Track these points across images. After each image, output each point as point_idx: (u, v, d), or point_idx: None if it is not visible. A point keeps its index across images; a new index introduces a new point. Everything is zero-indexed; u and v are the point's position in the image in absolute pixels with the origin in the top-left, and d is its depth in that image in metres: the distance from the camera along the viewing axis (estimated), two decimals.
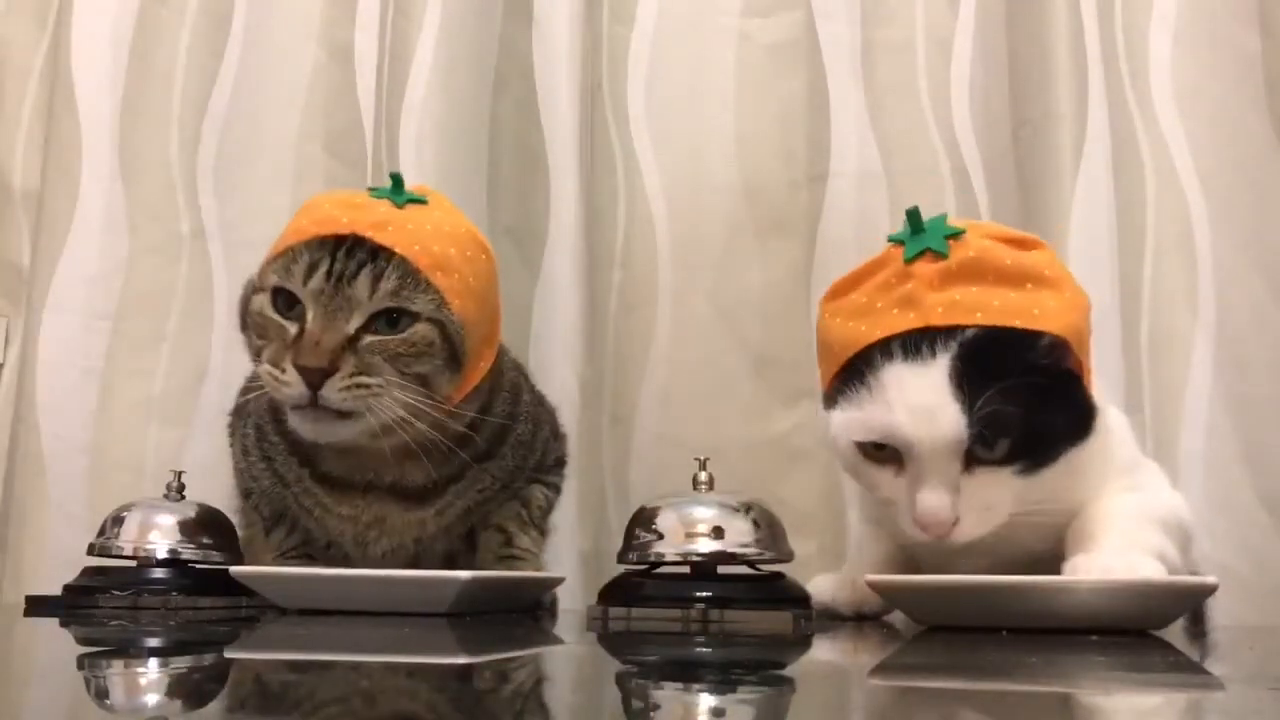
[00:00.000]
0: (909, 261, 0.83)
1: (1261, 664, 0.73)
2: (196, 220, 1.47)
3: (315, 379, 0.88)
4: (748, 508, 0.89)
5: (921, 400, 0.79)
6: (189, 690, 0.53)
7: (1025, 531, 0.84)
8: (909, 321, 0.81)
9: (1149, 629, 0.77)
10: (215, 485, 1.10)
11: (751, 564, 0.90)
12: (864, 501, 1.00)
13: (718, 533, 0.87)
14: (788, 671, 0.65)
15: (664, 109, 1.44)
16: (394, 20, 1.40)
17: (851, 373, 0.83)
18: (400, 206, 0.95)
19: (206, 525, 1.01)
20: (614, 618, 0.87)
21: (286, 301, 0.91)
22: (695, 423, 1.35)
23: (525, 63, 1.42)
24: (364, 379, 0.89)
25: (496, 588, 0.96)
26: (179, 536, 0.99)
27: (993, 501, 0.80)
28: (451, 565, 1.02)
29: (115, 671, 0.60)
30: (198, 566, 0.99)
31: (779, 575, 0.90)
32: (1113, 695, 0.54)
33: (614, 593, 0.90)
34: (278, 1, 1.51)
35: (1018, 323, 0.80)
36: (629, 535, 0.91)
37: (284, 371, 0.89)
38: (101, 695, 0.52)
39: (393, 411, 0.90)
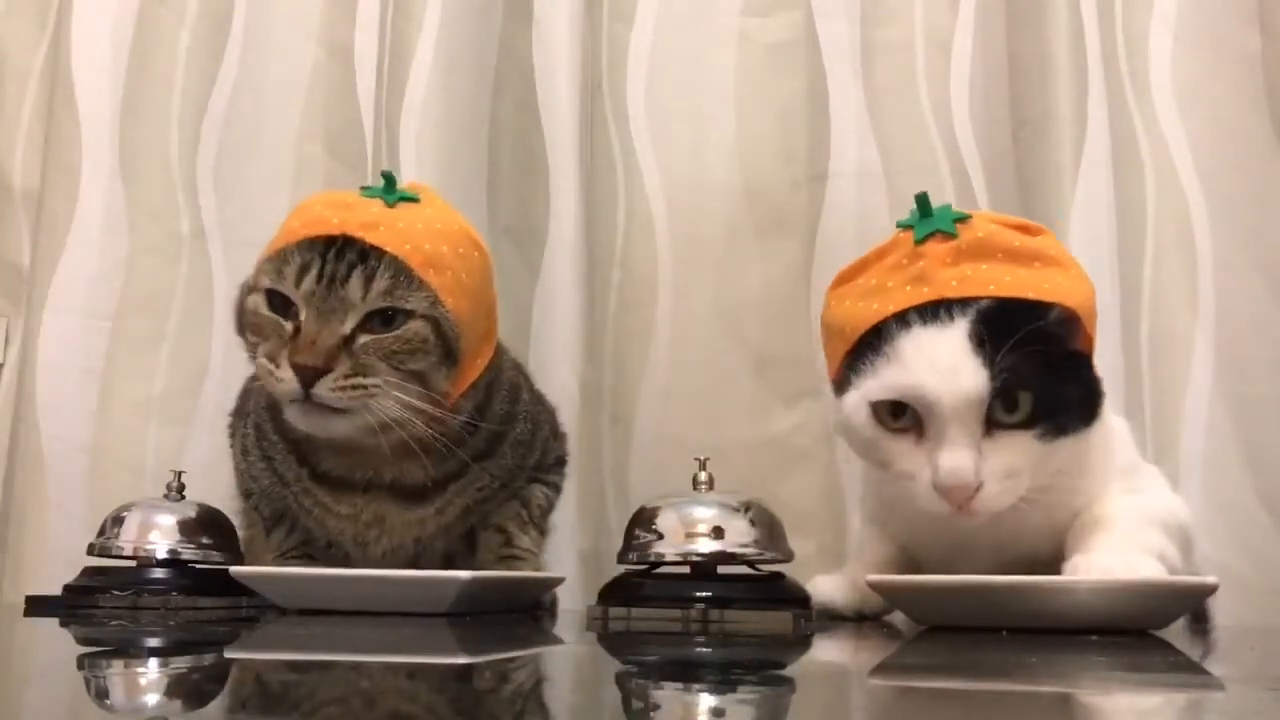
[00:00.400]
0: (919, 242, 0.84)
1: (1261, 664, 0.73)
2: (196, 220, 1.47)
3: (309, 377, 0.88)
4: (747, 508, 0.89)
5: (942, 358, 0.79)
6: (189, 690, 0.53)
7: (1028, 532, 0.84)
8: (923, 295, 0.82)
9: (1149, 629, 0.77)
10: (215, 485, 1.10)
11: (751, 564, 0.90)
12: (868, 501, 1.00)
13: (718, 533, 0.87)
14: (788, 671, 0.65)
15: (664, 109, 1.44)
16: (394, 20, 1.40)
17: (865, 349, 0.83)
18: (391, 205, 0.95)
19: (206, 525, 1.01)
20: (614, 618, 0.87)
21: (281, 302, 0.92)
22: (695, 422, 1.35)
23: (525, 63, 1.42)
24: (360, 379, 0.89)
25: (496, 588, 0.96)
26: (179, 536, 0.99)
27: (1014, 467, 0.80)
28: (451, 565, 1.02)
29: (115, 671, 0.60)
30: (198, 566, 0.99)
31: (779, 575, 0.90)
32: (1113, 695, 0.54)
33: (614, 593, 0.90)
34: (278, 1, 1.51)
35: (1030, 294, 0.81)
36: (629, 535, 0.91)
37: (279, 367, 0.89)
38: (101, 695, 0.52)
39: (390, 410, 0.90)
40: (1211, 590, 0.79)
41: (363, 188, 0.98)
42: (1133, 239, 1.27)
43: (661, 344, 1.39)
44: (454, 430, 0.95)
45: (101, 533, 1.00)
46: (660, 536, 0.89)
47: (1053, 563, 0.82)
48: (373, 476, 0.98)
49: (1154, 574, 0.78)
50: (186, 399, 1.41)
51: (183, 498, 1.03)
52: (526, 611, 1.01)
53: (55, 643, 0.80)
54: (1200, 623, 0.94)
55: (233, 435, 1.09)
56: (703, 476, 0.92)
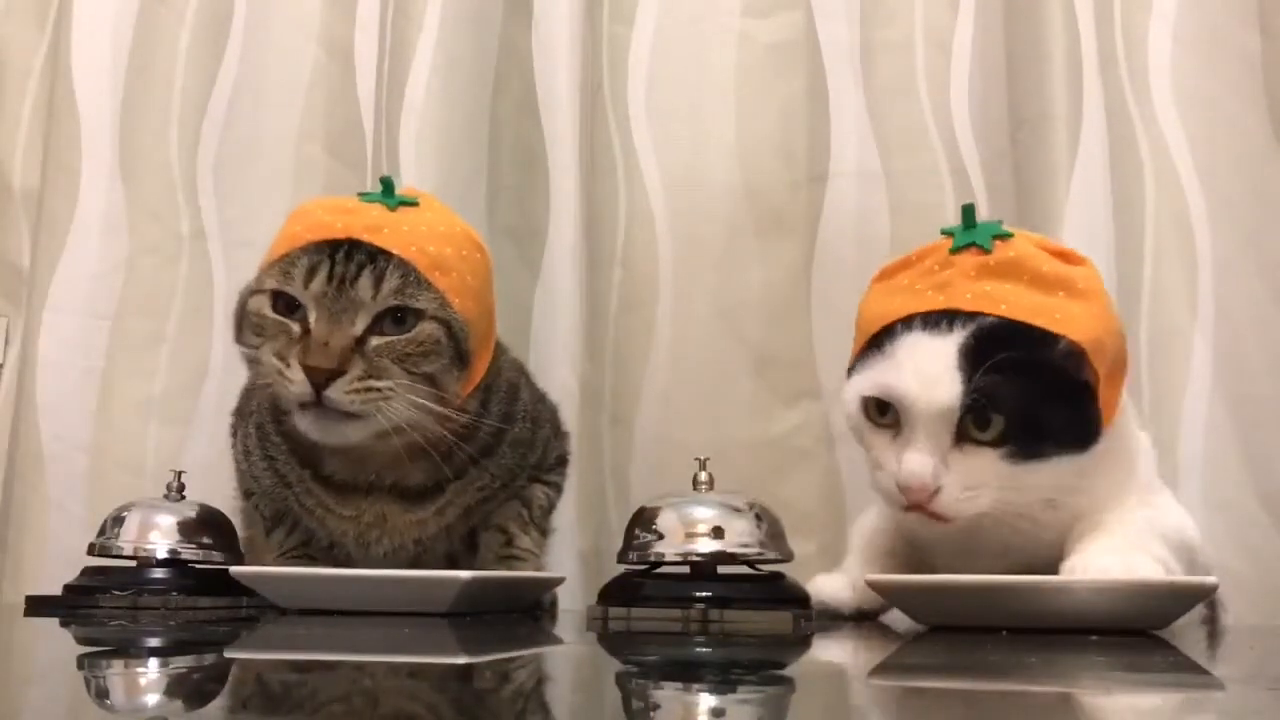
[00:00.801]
0: (954, 252, 0.87)
1: (1261, 664, 0.73)
2: (196, 220, 1.47)
3: (321, 379, 0.88)
4: (748, 508, 0.89)
5: (928, 365, 0.82)
6: (189, 690, 0.53)
7: (1043, 546, 0.84)
8: (938, 303, 0.85)
9: (1148, 629, 0.77)
10: (215, 485, 1.10)
11: (751, 564, 0.90)
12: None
13: (718, 533, 0.87)
14: (788, 671, 0.65)
15: (664, 109, 1.44)
16: (394, 20, 1.40)
17: (875, 343, 0.87)
18: (393, 209, 0.95)
19: (206, 525, 1.01)
20: (614, 618, 0.87)
21: (287, 305, 0.91)
22: (695, 422, 1.35)
23: (525, 63, 1.42)
24: (373, 382, 0.89)
25: (496, 588, 0.96)
26: (179, 536, 0.99)
27: (976, 480, 0.82)
28: (453, 566, 1.02)
29: (115, 671, 0.60)
30: (198, 566, 0.99)
31: (779, 575, 0.90)
32: (1113, 695, 0.54)
33: (614, 593, 0.90)
34: (278, 1, 1.51)
35: (1039, 321, 0.82)
36: (629, 535, 0.91)
37: (289, 367, 0.89)
38: (101, 695, 0.52)
39: (400, 414, 0.90)
40: (1211, 590, 0.79)
41: (361, 194, 0.98)
42: (1132, 239, 1.27)
43: (662, 344, 1.39)
44: (457, 431, 0.95)
45: (101, 533, 1.00)
46: (660, 536, 0.89)
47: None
48: (375, 479, 0.98)
49: (1152, 574, 0.78)
50: (186, 399, 1.41)
51: (183, 498, 1.03)
52: (526, 611, 1.01)
53: (55, 643, 0.80)
54: (1211, 622, 0.95)
55: (235, 435, 1.09)
56: (703, 476, 0.92)
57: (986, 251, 0.85)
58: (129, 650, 0.72)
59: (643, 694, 0.52)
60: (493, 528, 1.04)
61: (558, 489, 1.12)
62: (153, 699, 0.51)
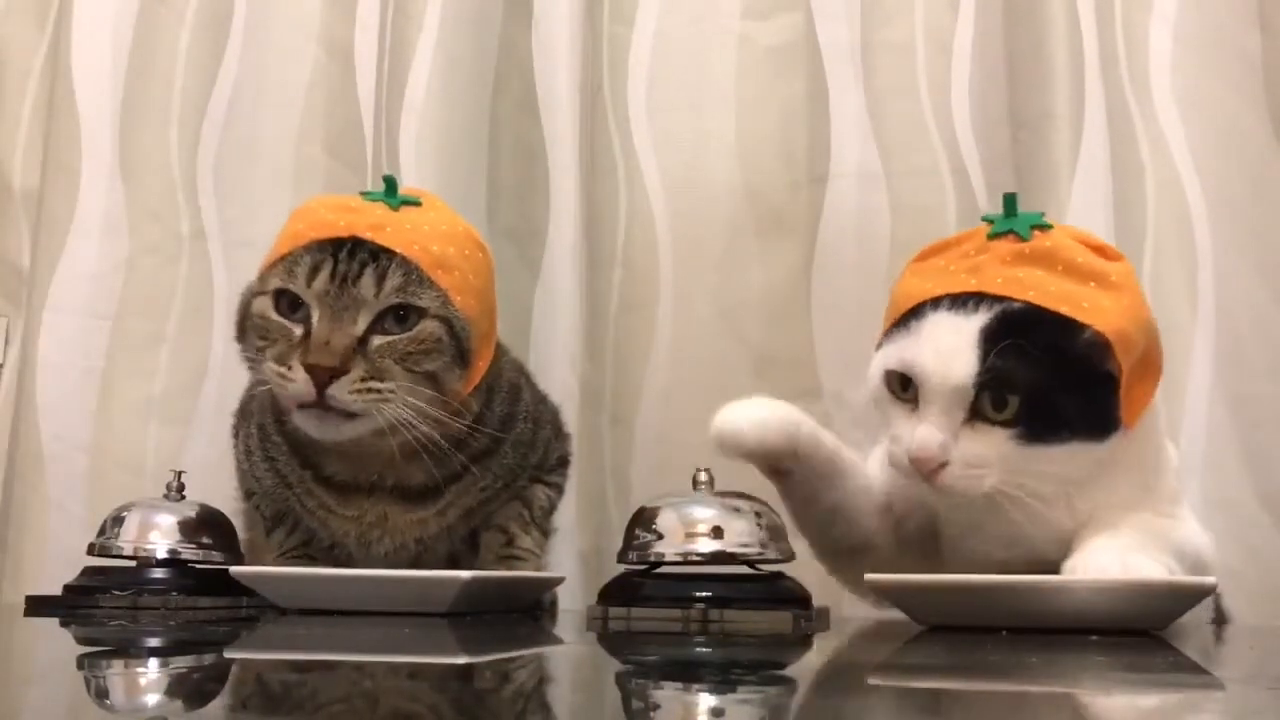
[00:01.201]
0: (991, 238, 0.88)
1: (1261, 664, 0.73)
2: (196, 220, 1.47)
3: (323, 378, 0.88)
4: (748, 507, 0.89)
5: (948, 343, 0.83)
6: (189, 690, 0.53)
7: (1040, 534, 0.84)
8: (969, 285, 0.86)
9: (1148, 629, 0.77)
10: (215, 485, 1.10)
11: (751, 564, 0.90)
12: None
13: (718, 533, 0.87)
14: (788, 671, 0.65)
15: (664, 109, 1.44)
16: (394, 20, 1.40)
17: (903, 321, 0.88)
18: (395, 209, 0.95)
19: (206, 525, 1.01)
20: (614, 618, 0.87)
21: (290, 304, 0.91)
22: (696, 423, 1.34)
23: (525, 63, 1.42)
24: (375, 383, 0.89)
25: (496, 588, 0.96)
26: (179, 536, 0.99)
27: (983, 459, 0.82)
28: (454, 567, 1.02)
29: (115, 671, 0.60)
30: (198, 566, 0.99)
31: (779, 575, 0.90)
32: (1113, 695, 0.54)
33: (614, 593, 0.90)
34: (278, 1, 1.51)
35: (1064, 309, 0.83)
36: (629, 535, 0.91)
37: (290, 369, 0.89)
38: (101, 695, 0.52)
39: (400, 413, 0.90)
40: (1210, 590, 0.79)
41: (363, 192, 0.98)
42: (1132, 238, 1.27)
43: (662, 344, 1.39)
44: (457, 431, 0.95)
45: (101, 533, 1.00)
46: (660, 536, 0.89)
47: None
48: (377, 479, 0.98)
49: (1152, 574, 0.78)
50: (186, 399, 1.41)
51: (183, 498, 1.03)
52: (527, 611, 1.01)
53: (55, 643, 0.80)
54: (1218, 625, 0.96)
55: (236, 435, 1.09)
56: (703, 476, 0.92)
57: (1024, 240, 0.86)
58: (129, 650, 0.72)
59: (643, 694, 0.52)
60: (494, 528, 1.04)
61: (559, 489, 1.12)
62: (153, 699, 0.51)
